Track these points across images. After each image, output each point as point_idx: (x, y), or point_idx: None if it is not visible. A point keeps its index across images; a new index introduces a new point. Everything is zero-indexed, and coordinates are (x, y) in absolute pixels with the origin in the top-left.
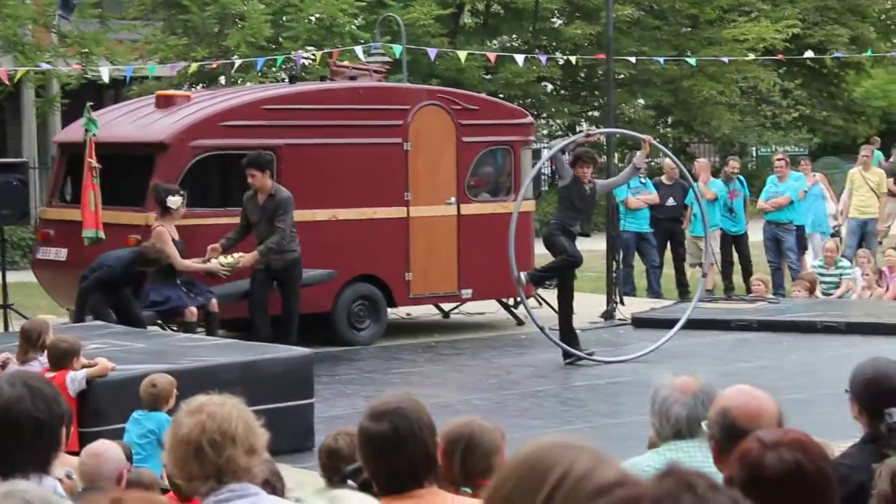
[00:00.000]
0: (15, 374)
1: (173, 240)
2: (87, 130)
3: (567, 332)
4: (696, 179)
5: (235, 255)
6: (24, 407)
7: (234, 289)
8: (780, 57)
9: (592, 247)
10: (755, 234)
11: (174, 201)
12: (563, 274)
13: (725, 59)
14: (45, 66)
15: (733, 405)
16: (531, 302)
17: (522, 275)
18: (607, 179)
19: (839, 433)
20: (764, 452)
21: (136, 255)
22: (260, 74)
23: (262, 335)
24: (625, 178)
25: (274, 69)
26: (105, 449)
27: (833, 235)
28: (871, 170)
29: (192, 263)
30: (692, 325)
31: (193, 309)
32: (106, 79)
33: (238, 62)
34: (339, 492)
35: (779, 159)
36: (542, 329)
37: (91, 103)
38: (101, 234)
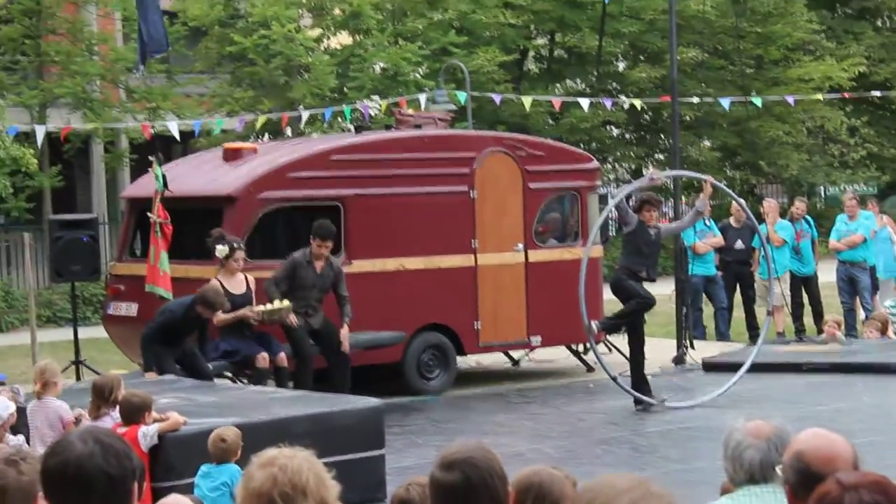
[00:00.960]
0: (86, 430)
1: (232, 293)
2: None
3: (638, 379)
4: (762, 221)
5: (269, 305)
6: (96, 463)
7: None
8: (845, 95)
9: (661, 290)
10: (825, 275)
11: (220, 250)
12: (634, 318)
13: (790, 99)
14: (119, 125)
15: (808, 449)
16: (601, 348)
17: (594, 324)
18: (672, 223)
19: None
20: (843, 494)
21: (196, 297)
22: (326, 125)
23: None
24: (689, 222)
25: (339, 120)
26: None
27: None
28: None
29: (226, 316)
30: (764, 368)
31: (265, 355)
32: (176, 134)
33: (306, 114)
34: None
35: (850, 198)
36: (613, 378)
37: (153, 158)
38: (161, 291)
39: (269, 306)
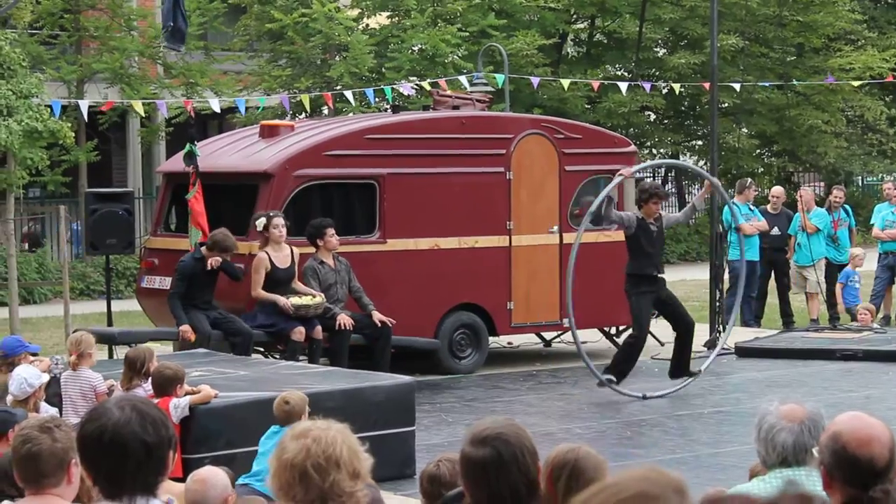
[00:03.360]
0: (123, 397)
1: (278, 267)
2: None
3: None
4: (801, 210)
5: (306, 298)
6: (133, 430)
7: None
8: (889, 79)
9: (698, 276)
10: (863, 264)
11: (259, 223)
12: (672, 310)
13: (830, 80)
14: (160, 101)
15: (845, 430)
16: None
17: (604, 378)
18: (671, 215)
19: None
20: None
21: (208, 239)
22: (362, 104)
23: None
24: (685, 217)
25: (377, 99)
26: (211, 475)
27: None
28: None
29: (265, 294)
30: (797, 354)
31: (302, 329)
32: (217, 109)
33: (348, 93)
34: None
35: (893, 189)
36: (602, 381)
37: (190, 139)
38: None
39: (303, 300)
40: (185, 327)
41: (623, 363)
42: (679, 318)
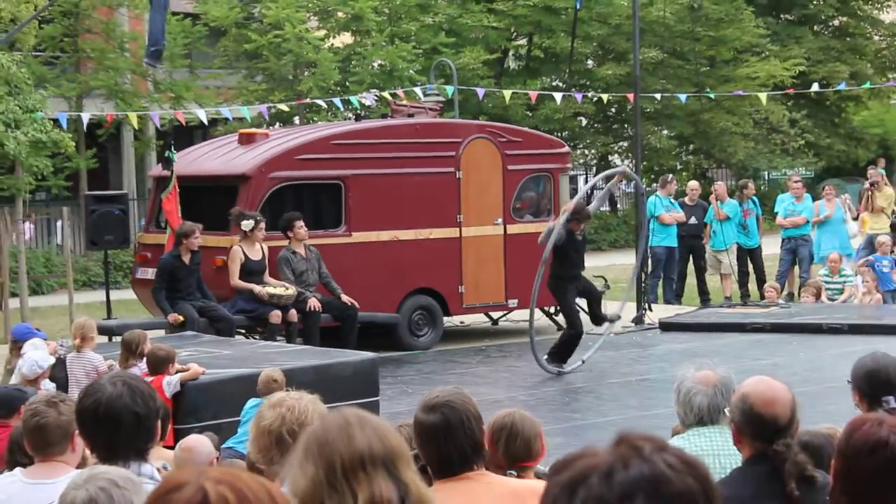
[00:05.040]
0: (116, 374)
1: (251, 259)
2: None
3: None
4: (714, 201)
5: (279, 288)
6: (125, 402)
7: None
8: (789, 91)
9: (626, 261)
10: (769, 248)
11: (246, 224)
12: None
13: (741, 93)
14: (154, 113)
15: (752, 392)
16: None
17: (545, 363)
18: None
19: (844, 421)
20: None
21: (176, 234)
22: (330, 114)
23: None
24: (599, 202)
25: (342, 110)
26: (197, 443)
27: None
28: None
29: (242, 283)
30: (713, 328)
31: (278, 313)
32: (204, 120)
33: (321, 103)
34: None
35: (796, 181)
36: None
37: (168, 152)
38: None
39: (276, 290)
40: (173, 315)
41: (565, 353)
42: (589, 291)
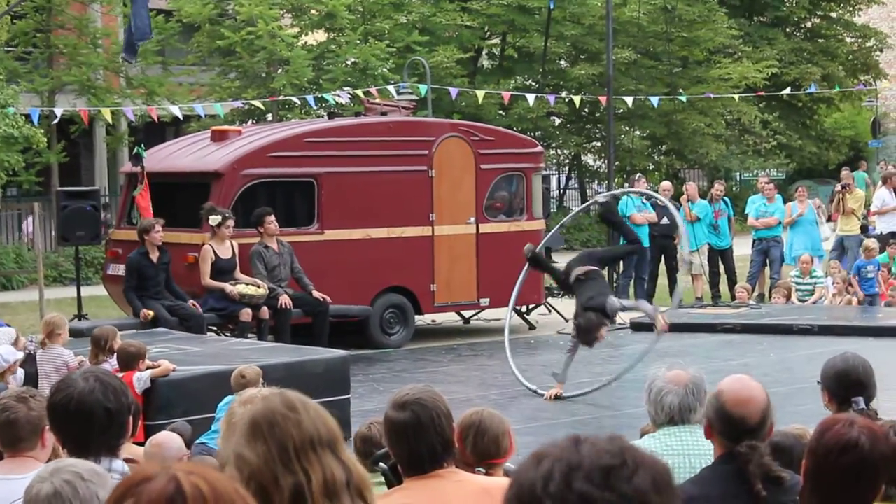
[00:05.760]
0: (88, 369)
1: (221, 258)
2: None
3: None
4: (684, 202)
5: (252, 288)
6: (96, 398)
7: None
8: (760, 93)
9: None
10: (739, 249)
11: (214, 219)
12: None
13: (712, 95)
14: (127, 108)
15: (727, 390)
16: (542, 310)
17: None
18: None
19: (813, 421)
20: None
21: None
22: (302, 111)
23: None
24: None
25: (314, 108)
26: (167, 439)
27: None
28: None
29: (213, 283)
30: (684, 328)
31: (249, 311)
32: (179, 115)
33: (295, 100)
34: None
35: (767, 182)
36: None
37: (137, 149)
38: None
39: (247, 289)
40: (144, 311)
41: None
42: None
